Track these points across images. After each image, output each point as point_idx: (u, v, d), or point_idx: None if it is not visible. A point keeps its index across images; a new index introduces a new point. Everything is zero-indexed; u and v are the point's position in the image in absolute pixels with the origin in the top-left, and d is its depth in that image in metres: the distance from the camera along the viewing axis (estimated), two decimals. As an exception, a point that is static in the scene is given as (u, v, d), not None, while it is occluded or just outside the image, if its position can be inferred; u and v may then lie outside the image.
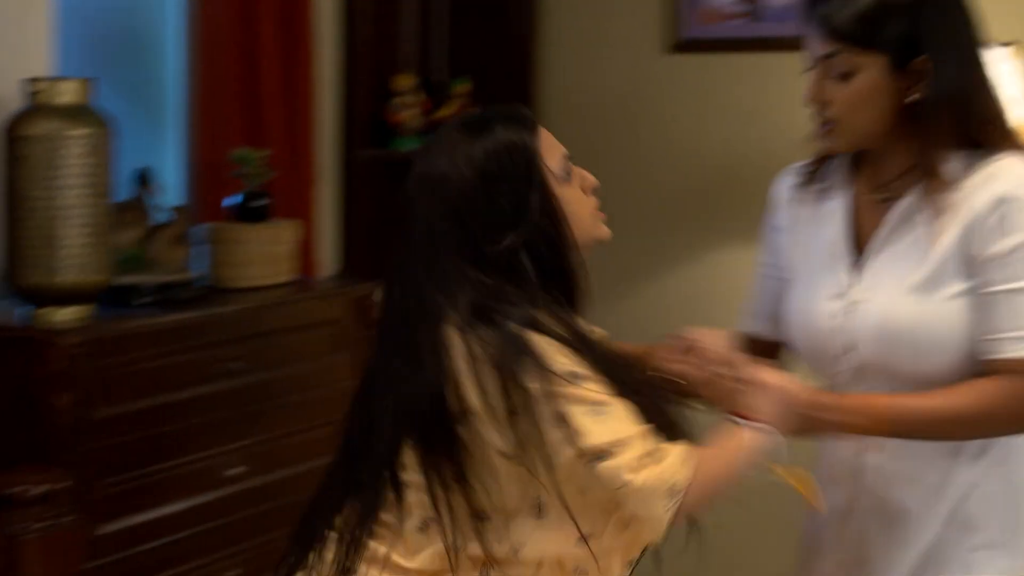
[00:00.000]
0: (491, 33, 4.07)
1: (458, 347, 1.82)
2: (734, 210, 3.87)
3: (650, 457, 1.81)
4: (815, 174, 2.10)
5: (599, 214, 1.99)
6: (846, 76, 1.91)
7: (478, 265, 1.86)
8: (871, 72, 1.90)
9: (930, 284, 1.94)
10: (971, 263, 1.92)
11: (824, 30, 1.90)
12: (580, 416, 1.80)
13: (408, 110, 3.84)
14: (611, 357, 1.90)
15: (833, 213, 2.06)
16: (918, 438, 1.95)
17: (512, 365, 1.79)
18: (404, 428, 1.87)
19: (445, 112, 3.85)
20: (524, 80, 4.03)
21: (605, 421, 1.81)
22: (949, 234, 1.93)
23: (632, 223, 3.95)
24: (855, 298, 2.00)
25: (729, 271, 3.87)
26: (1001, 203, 1.90)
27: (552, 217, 1.89)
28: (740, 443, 1.89)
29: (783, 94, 3.71)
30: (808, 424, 1.91)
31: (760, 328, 2.21)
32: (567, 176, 1.94)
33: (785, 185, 2.18)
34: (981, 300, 1.91)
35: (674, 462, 1.82)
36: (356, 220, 3.80)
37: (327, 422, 2.51)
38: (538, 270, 1.88)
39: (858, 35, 1.88)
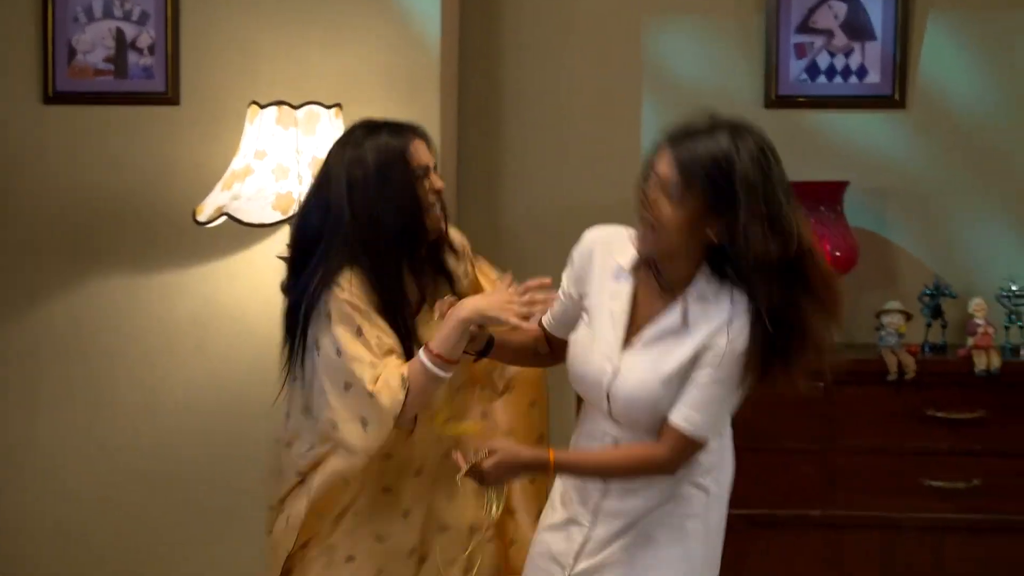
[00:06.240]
0: None
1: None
2: (109, 245, 4.15)
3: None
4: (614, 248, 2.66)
5: (438, 212, 2.84)
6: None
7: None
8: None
9: (671, 380, 2.55)
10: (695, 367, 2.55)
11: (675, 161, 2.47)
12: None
13: None
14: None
15: (620, 293, 2.61)
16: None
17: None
18: None
19: None
20: None
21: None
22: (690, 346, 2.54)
23: (18, 258, 4.16)
24: (619, 366, 2.59)
25: (107, 298, 4.16)
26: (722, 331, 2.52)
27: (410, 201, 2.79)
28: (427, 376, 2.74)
29: (145, 142, 4.10)
30: (529, 472, 2.68)
31: (553, 331, 2.82)
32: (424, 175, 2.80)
33: (599, 239, 2.69)
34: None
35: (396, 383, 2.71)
36: None
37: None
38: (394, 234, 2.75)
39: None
